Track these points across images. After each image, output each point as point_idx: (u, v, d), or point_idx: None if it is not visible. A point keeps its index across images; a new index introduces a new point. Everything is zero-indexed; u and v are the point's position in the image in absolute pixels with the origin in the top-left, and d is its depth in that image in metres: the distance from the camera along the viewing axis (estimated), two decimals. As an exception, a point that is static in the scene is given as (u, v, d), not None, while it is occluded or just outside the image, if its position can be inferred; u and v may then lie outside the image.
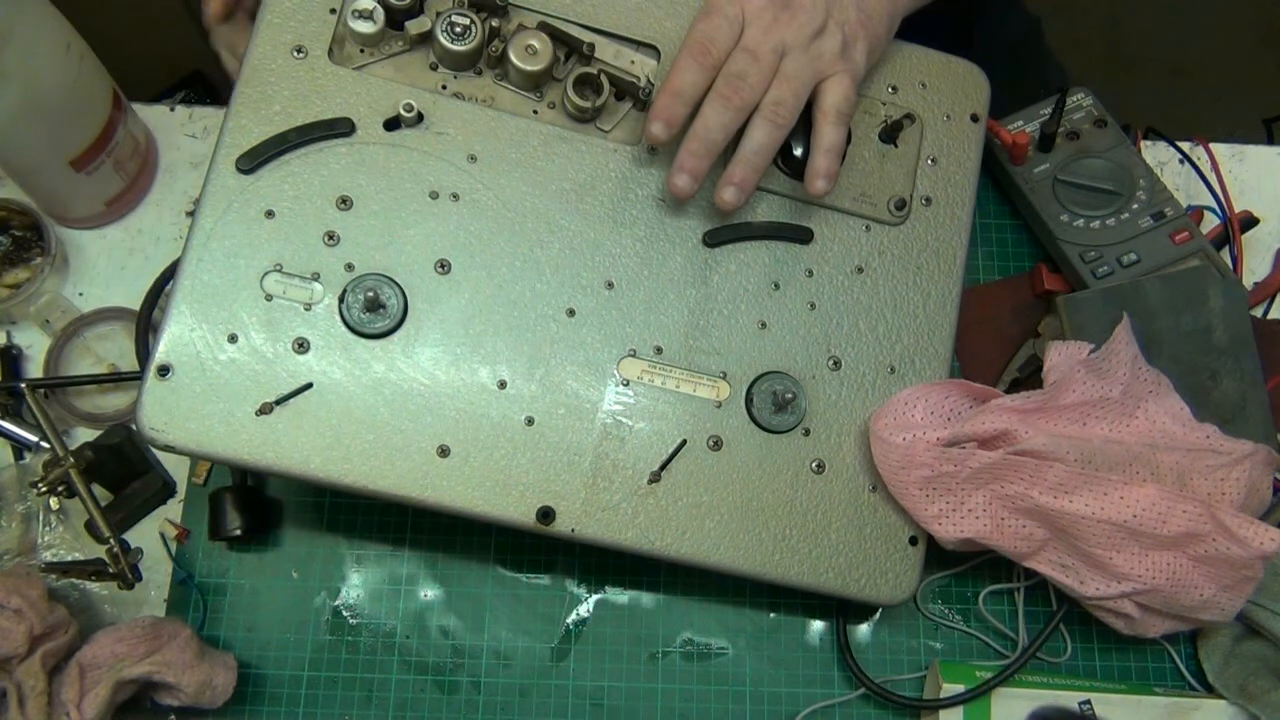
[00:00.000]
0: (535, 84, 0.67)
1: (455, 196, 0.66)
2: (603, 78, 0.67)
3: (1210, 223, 0.82)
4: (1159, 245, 0.77)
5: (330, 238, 0.65)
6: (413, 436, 0.64)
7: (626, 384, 0.66)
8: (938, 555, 0.75)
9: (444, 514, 0.65)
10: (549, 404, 0.65)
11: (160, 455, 0.74)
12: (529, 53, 0.66)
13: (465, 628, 0.73)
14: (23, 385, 0.72)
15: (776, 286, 0.69)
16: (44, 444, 0.69)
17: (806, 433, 0.68)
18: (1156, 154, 0.85)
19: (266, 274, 0.64)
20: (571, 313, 0.66)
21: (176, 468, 0.76)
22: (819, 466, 0.68)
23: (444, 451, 0.64)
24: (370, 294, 0.64)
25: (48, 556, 0.73)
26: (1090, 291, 0.73)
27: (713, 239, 0.68)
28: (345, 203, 0.65)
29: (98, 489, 0.68)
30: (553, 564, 0.75)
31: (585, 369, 0.66)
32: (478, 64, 0.67)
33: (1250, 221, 0.82)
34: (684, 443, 0.66)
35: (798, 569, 0.67)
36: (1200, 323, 0.72)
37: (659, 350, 0.67)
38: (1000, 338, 0.80)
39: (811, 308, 0.69)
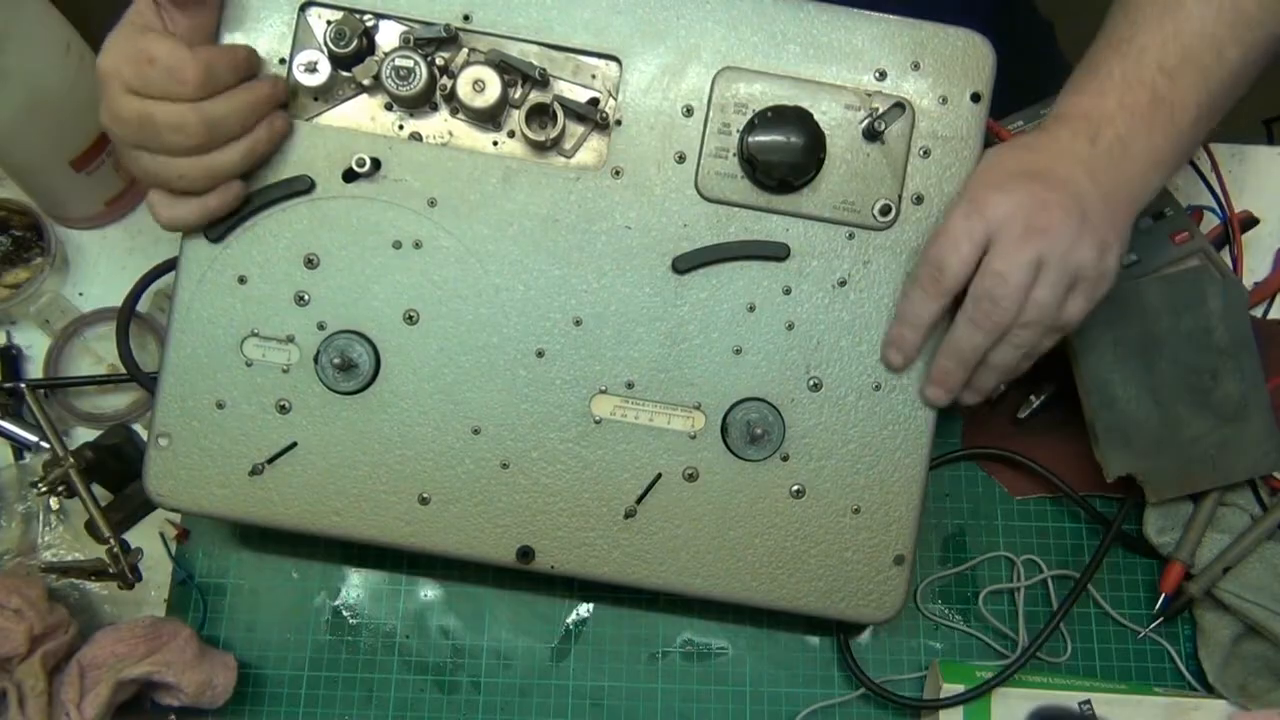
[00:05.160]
0: (490, 116, 0.65)
1: (418, 245, 0.65)
2: (556, 106, 0.64)
3: (1210, 223, 0.81)
4: (1159, 245, 0.77)
5: (300, 298, 0.65)
6: (394, 487, 0.66)
7: (599, 422, 0.66)
8: (938, 555, 0.75)
9: (430, 556, 0.67)
10: (523, 447, 0.66)
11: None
12: (477, 89, 0.64)
13: (465, 628, 0.73)
14: (23, 385, 0.72)
15: (751, 309, 0.66)
16: (44, 444, 0.69)
17: (785, 459, 0.66)
18: (1156, 154, 0.85)
19: (245, 339, 0.65)
20: (540, 354, 0.65)
21: (176, 468, 0.76)
22: (799, 492, 0.66)
23: (424, 500, 0.66)
24: (341, 355, 0.65)
25: (48, 556, 0.73)
26: (1090, 291, 0.73)
27: (682, 265, 0.65)
28: (312, 262, 0.65)
29: (98, 489, 0.68)
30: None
31: (557, 410, 0.66)
32: (432, 99, 0.65)
33: (1250, 221, 0.81)
34: (659, 477, 0.66)
35: (779, 593, 0.67)
36: (1200, 323, 0.72)
37: (630, 385, 0.66)
38: (1000, 338, 0.80)
39: (790, 328, 0.66)
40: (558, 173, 0.65)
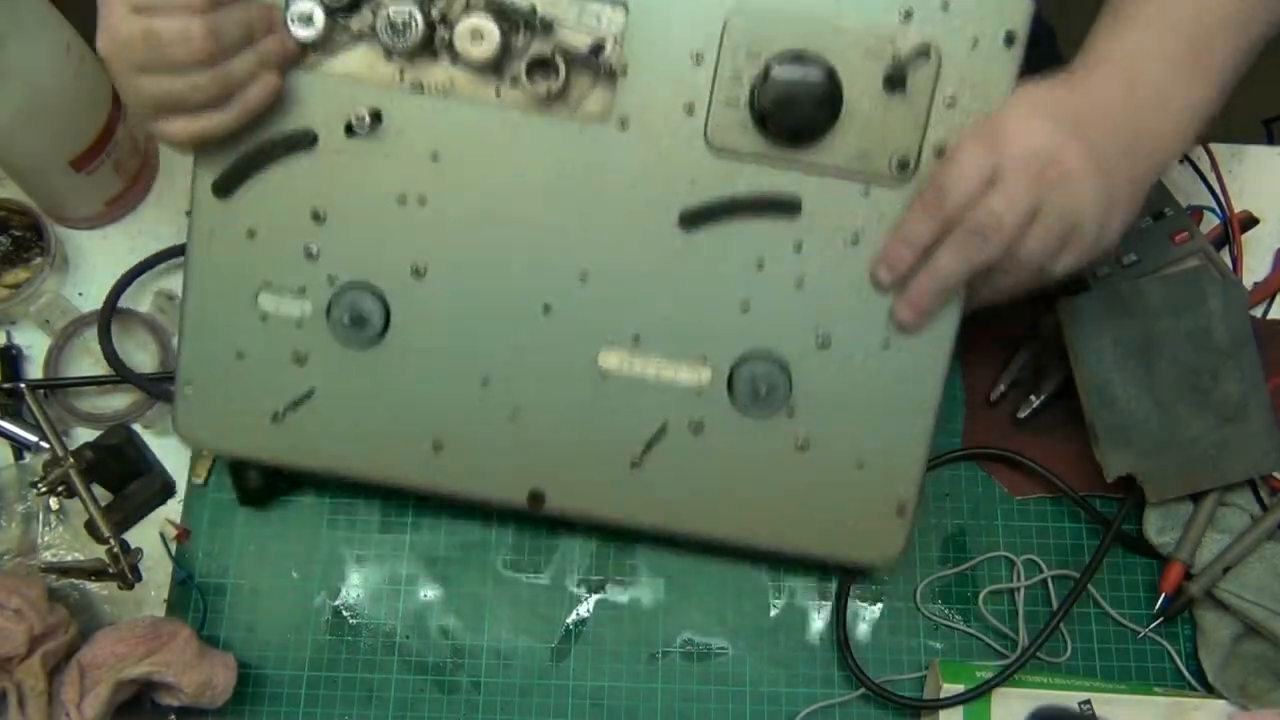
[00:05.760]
0: (491, 67, 0.63)
1: (422, 200, 0.65)
2: (558, 58, 0.62)
3: (1210, 223, 0.82)
4: (1159, 245, 0.77)
5: (309, 253, 0.65)
6: (408, 433, 0.67)
7: (605, 376, 0.66)
8: (938, 555, 0.75)
9: (443, 498, 0.69)
10: (531, 399, 0.66)
11: (160, 455, 0.74)
12: (475, 39, 0.62)
13: (465, 628, 0.73)
14: (23, 385, 0.72)
15: (760, 265, 0.64)
16: (44, 444, 0.69)
17: (790, 413, 0.66)
18: (1156, 154, 0.85)
19: (259, 293, 0.66)
20: (547, 308, 0.66)
21: (176, 468, 0.76)
22: (803, 446, 0.66)
23: (438, 445, 0.67)
24: (352, 310, 0.65)
25: (48, 556, 0.73)
26: (1089, 293, 0.73)
27: (690, 219, 0.64)
28: (319, 216, 0.65)
29: (98, 489, 0.68)
30: (552, 564, 0.75)
31: (564, 363, 0.66)
32: (432, 47, 0.63)
33: (1250, 221, 0.81)
34: (664, 429, 0.66)
35: (781, 536, 0.68)
36: (1200, 323, 0.72)
37: (637, 339, 0.66)
38: (1000, 338, 0.80)
39: (799, 285, 0.65)
40: (562, 125, 0.64)
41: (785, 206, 0.64)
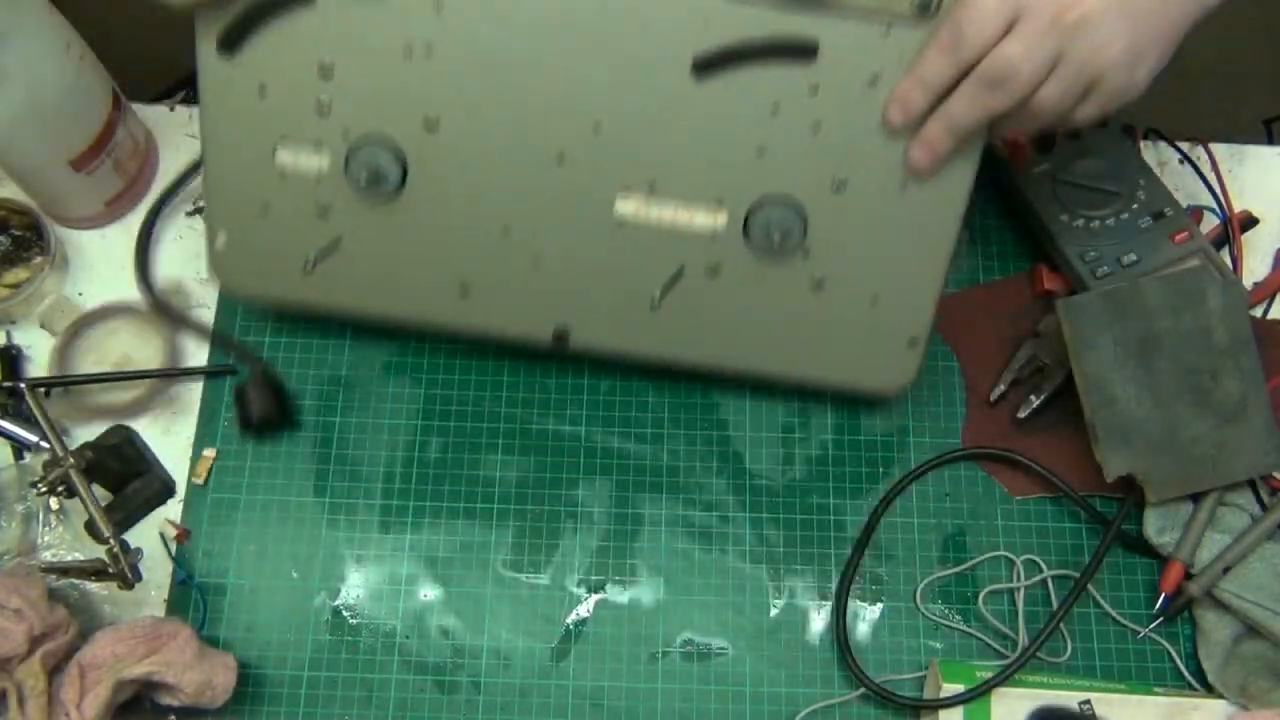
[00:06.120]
0: None
1: (428, 50, 0.63)
2: None
3: (1210, 223, 0.82)
4: (1159, 245, 0.77)
5: (321, 108, 0.65)
6: (434, 279, 0.70)
7: (622, 223, 0.67)
8: (938, 555, 0.75)
9: (472, 338, 0.73)
10: (551, 244, 0.68)
11: (160, 455, 0.74)
12: None
13: (465, 628, 0.73)
14: (23, 385, 0.72)
15: (775, 111, 0.63)
16: (44, 444, 0.69)
17: (806, 254, 0.66)
18: (1156, 154, 0.85)
19: (276, 148, 0.67)
20: (561, 157, 0.65)
21: (176, 468, 0.76)
22: (819, 284, 0.67)
23: (464, 289, 0.70)
24: (368, 166, 0.66)
25: (48, 556, 0.73)
26: (1089, 293, 0.73)
27: (702, 68, 0.62)
28: (326, 72, 0.64)
29: (98, 489, 0.68)
30: (552, 564, 0.75)
31: (581, 211, 0.67)
32: None
33: (1250, 221, 0.82)
34: (681, 271, 0.67)
35: (795, 366, 0.71)
36: (1200, 323, 0.72)
37: (652, 185, 0.66)
38: (1000, 338, 0.80)
39: (815, 130, 0.63)
40: None
41: (801, 50, 0.62)
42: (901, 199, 0.64)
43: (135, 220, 0.82)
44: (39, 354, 0.78)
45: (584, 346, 0.71)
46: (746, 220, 0.66)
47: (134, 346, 0.78)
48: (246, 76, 0.65)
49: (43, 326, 0.78)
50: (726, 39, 0.62)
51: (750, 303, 0.69)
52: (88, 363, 0.78)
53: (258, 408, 0.75)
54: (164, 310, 0.78)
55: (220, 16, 0.64)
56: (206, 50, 0.65)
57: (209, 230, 0.70)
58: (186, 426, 0.77)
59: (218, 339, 0.78)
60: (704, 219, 0.66)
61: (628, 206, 0.66)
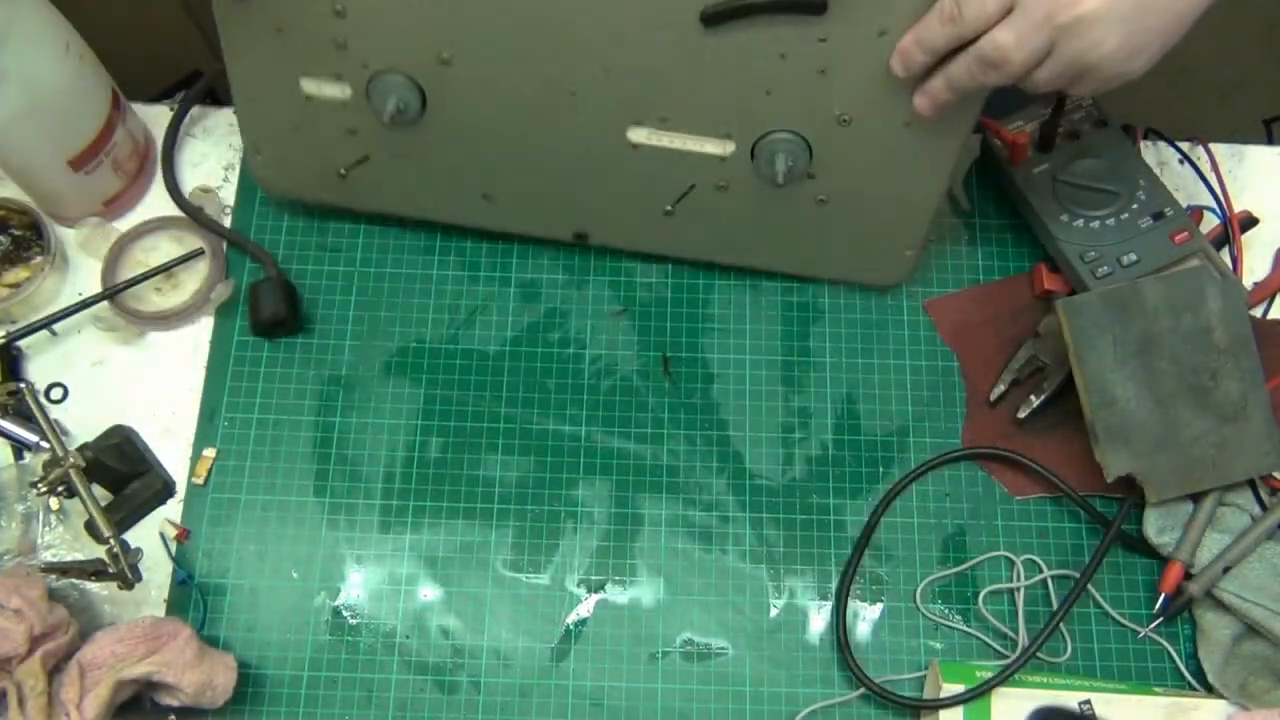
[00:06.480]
0: None
1: None
2: None
3: (1210, 223, 0.82)
4: (1159, 245, 0.77)
5: (338, 43, 0.67)
6: (458, 187, 0.75)
7: (635, 147, 0.70)
8: (938, 555, 0.75)
9: (497, 233, 0.79)
10: (568, 165, 0.72)
11: (160, 455, 0.74)
12: None
13: (465, 628, 0.73)
14: (22, 385, 0.72)
15: (783, 57, 0.63)
16: (44, 444, 0.69)
17: (811, 176, 0.69)
18: (1156, 154, 0.85)
19: (299, 78, 0.70)
20: (573, 94, 0.68)
21: (176, 468, 0.76)
22: (822, 201, 0.71)
23: (487, 196, 0.75)
24: (389, 100, 0.68)
25: (48, 556, 0.73)
26: (1089, 293, 0.73)
27: (710, 20, 0.62)
28: (339, 12, 0.65)
29: (98, 489, 0.68)
30: (552, 564, 0.75)
31: (595, 138, 0.70)
32: None
33: (1250, 221, 0.81)
34: (692, 187, 0.72)
35: (802, 266, 0.78)
36: (1200, 323, 0.72)
37: (663, 120, 0.68)
38: (1000, 338, 0.80)
39: (822, 73, 0.64)
40: None
41: (811, 5, 0.61)
42: (904, 134, 0.67)
43: (134, 220, 0.82)
44: (39, 354, 0.78)
45: (602, 243, 0.78)
46: (754, 149, 0.69)
47: (176, 255, 0.81)
48: (262, 19, 0.67)
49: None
50: None
51: (758, 214, 0.74)
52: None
53: (268, 307, 0.77)
54: (194, 214, 0.81)
55: None
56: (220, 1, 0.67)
57: (246, 146, 0.76)
58: (186, 426, 0.77)
59: (233, 238, 0.81)
60: (713, 147, 0.70)
61: (640, 135, 0.70)
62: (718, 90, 0.66)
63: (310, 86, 0.70)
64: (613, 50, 0.65)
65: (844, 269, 0.78)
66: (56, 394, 0.78)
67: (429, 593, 0.74)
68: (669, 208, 0.73)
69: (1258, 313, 0.80)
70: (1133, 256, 0.77)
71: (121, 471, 0.70)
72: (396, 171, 0.75)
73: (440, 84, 0.69)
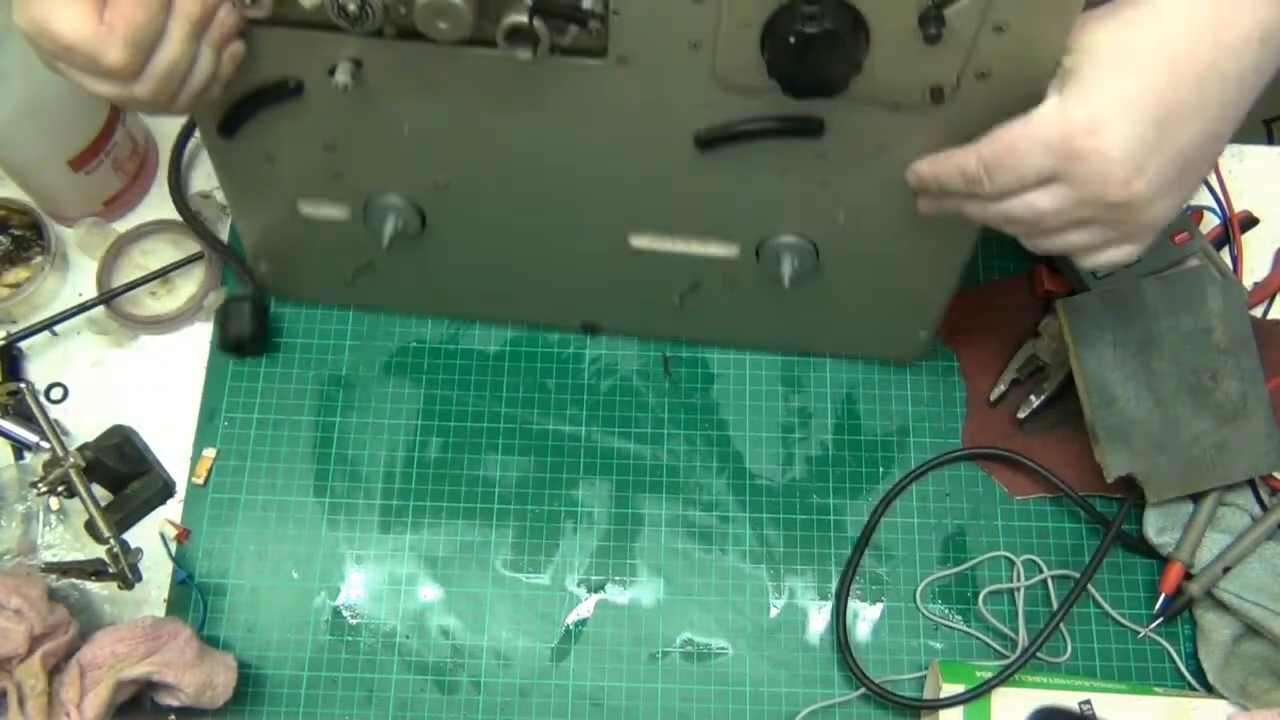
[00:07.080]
0: (465, 41, 0.54)
1: (425, 132, 0.63)
2: (535, 26, 0.53)
3: (1210, 223, 0.82)
4: (1159, 245, 0.76)
5: (332, 174, 0.67)
6: (465, 288, 0.77)
7: (638, 252, 0.70)
8: (938, 555, 0.75)
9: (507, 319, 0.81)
10: (574, 267, 0.73)
11: (160, 455, 0.74)
12: (440, 19, 0.52)
13: (465, 628, 0.73)
14: (23, 385, 0.72)
15: (783, 173, 0.62)
16: (44, 444, 0.69)
17: (817, 270, 0.69)
18: (1156, 154, 0.85)
19: (297, 199, 0.70)
20: (574, 208, 0.68)
21: (176, 468, 0.76)
22: (831, 293, 0.71)
23: (497, 294, 0.77)
24: (387, 223, 0.68)
25: (48, 556, 0.73)
26: (1089, 293, 0.73)
27: (706, 144, 0.60)
28: (330, 147, 0.65)
29: (98, 489, 0.68)
30: (552, 564, 0.75)
31: (598, 245, 0.70)
32: (391, 26, 0.56)
33: (1250, 221, 0.82)
34: (698, 283, 0.72)
35: (813, 346, 0.80)
36: (1200, 323, 0.72)
37: (665, 227, 0.69)
38: (1000, 338, 0.80)
39: (823, 185, 0.62)
40: (557, 70, 0.57)
41: (807, 129, 0.58)
42: (914, 234, 0.64)
43: (134, 220, 0.82)
44: (39, 354, 0.78)
45: (612, 332, 0.79)
46: (758, 251, 0.68)
47: (172, 260, 0.81)
48: (252, 149, 0.66)
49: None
50: (730, 119, 0.59)
51: (766, 305, 0.73)
52: (132, 277, 0.80)
53: (235, 327, 0.77)
54: (191, 222, 0.81)
55: (212, 108, 0.63)
56: (210, 135, 0.65)
57: (248, 255, 0.76)
58: (187, 426, 0.77)
59: (221, 250, 0.80)
60: (717, 249, 0.69)
61: (643, 241, 0.70)
62: (718, 203, 0.65)
63: (308, 208, 0.70)
64: (610, 171, 0.64)
65: (856, 349, 0.79)
66: (56, 394, 0.78)
67: (429, 593, 0.74)
68: (676, 300, 0.74)
69: (1258, 313, 0.80)
70: (1133, 256, 0.76)
71: (121, 471, 0.69)
72: (403, 277, 0.75)
73: (439, 205, 0.68)
